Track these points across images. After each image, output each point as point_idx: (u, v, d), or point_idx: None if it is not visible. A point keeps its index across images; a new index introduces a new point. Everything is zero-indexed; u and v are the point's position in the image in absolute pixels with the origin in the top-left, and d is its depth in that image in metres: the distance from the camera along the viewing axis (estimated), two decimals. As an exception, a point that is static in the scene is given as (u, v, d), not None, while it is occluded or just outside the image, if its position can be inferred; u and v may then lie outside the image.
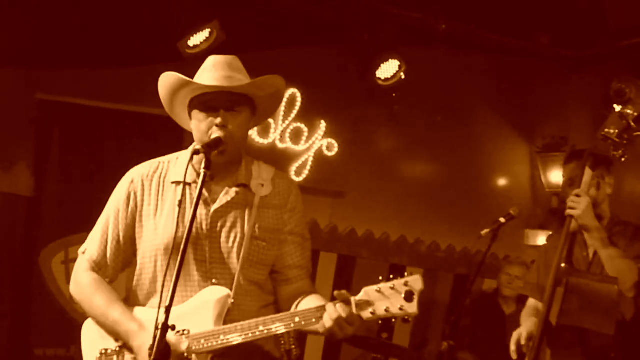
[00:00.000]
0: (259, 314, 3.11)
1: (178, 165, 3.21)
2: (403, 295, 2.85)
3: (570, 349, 4.02)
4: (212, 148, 2.97)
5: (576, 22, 7.33)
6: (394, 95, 7.31)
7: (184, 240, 2.78)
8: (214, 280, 3.09)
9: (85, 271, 3.26)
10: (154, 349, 2.58)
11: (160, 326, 2.63)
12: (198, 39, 6.27)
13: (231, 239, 3.13)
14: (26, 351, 6.17)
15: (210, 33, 6.29)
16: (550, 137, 8.23)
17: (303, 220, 3.34)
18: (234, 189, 3.17)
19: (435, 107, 7.83)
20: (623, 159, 4.01)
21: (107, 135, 6.52)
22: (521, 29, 7.66)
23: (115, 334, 3.11)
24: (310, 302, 3.10)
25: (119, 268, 3.28)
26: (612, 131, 3.96)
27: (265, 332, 2.93)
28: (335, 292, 2.90)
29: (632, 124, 3.91)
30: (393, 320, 2.89)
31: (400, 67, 7.00)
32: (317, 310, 2.90)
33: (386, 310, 2.85)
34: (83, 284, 3.24)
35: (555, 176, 7.98)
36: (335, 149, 7.34)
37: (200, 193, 2.89)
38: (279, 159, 6.92)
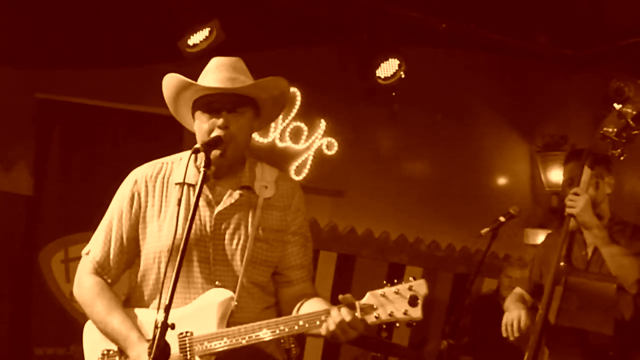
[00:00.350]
0: (262, 315, 3.12)
1: (181, 166, 3.19)
2: (407, 300, 2.85)
3: (568, 348, 4.03)
4: (211, 147, 2.97)
5: (576, 22, 7.33)
6: (393, 94, 7.31)
7: (182, 242, 2.78)
8: (217, 282, 3.09)
9: (88, 274, 3.25)
10: (154, 348, 2.58)
11: (159, 325, 2.63)
12: (198, 38, 6.26)
13: (235, 241, 3.13)
14: (26, 350, 6.17)
15: (210, 32, 6.29)
16: (550, 136, 8.24)
17: (306, 221, 3.35)
18: (238, 191, 3.18)
19: (435, 106, 7.83)
20: (622, 158, 4.01)
21: (107, 135, 6.52)
22: (521, 29, 7.66)
23: (114, 342, 3.11)
24: (313, 305, 3.11)
25: (121, 269, 3.28)
26: (610, 130, 3.96)
27: (270, 334, 2.93)
28: (340, 296, 2.89)
29: (631, 122, 3.91)
30: (397, 324, 2.89)
31: (400, 66, 7.01)
32: (321, 313, 2.91)
33: (390, 315, 2.86)
34: (85, 287, 3.23)
35: (555, 175, 7.99)
36: (335, 148, 7.34)
37: (200, 192, 2.89)
38: (278, 158, 6.92)
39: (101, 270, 3.24)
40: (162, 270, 3.10)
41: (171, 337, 2.92)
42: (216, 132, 3.05)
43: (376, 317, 2.87)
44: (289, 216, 3.26)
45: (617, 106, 3.98)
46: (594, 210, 4.13)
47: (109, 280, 3.25)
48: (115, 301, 3.18)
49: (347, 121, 7.46)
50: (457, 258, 7.83)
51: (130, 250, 3.24)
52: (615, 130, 3.95)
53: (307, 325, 2.92)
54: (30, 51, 6.17)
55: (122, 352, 3.10)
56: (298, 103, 7.09)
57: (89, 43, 6.21)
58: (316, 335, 2.98)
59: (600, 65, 7.74)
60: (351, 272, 7.39)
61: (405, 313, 2.85)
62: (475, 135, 8.28)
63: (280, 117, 7.06)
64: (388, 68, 7.05)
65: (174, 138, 6.31)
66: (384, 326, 2.92)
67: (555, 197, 8.14)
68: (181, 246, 2.77)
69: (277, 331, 2.93)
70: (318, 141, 7.28)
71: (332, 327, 2.85)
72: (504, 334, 4.25)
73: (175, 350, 2.95)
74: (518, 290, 4.58)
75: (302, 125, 7.21)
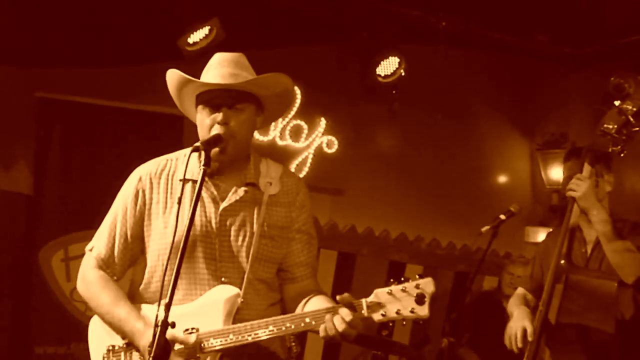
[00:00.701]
0: (267, 311, 3.14)
1: (184, 163, 3.19)
2: (414, 298, 2.87)
3: (569, 346, 4.02)
4: (211, 145, 2.97)
5: (575, 20, 7.33)
6: (394, 92, 7.32)
7: (183, 238, 2.78)
8: (223, 279, 3.09)
9: (92, 269, 3.26)
10: (154, 345, 2.58)
11: (160, 323, 2.63)
12: (198, 36, 6.27)
13: (240, 237, 3.14)
14: (26, 349, 6.16)
15: (210, 30, 6.29)
16: (550, 134, 8.24)
17: (310, 218, 3.36)
18: (243, 188, 3.18)
19: (435, 104, 7.84)
20: (622, 155, 4.00)
21: (107, 134, 6.51)
22: (521, 27, 7.67)
23: (121, 333, 3.11)
24: (318, 303, 3.11)
25: (126, 266, 3.28)
26: (610, 126, 3.95)
27: (276, 331, 2.94)
28: (338, 297, 2.90)
29: (631, 119, 3.90)
30: (404, 322, 2.89)
31: (400, 64, 7.02)
32: (327, 311, 2.91)
33: (397, 313, 2.87)
34: (90, 281, 3.24)
35: (556, 173, 7.99)
36: (335, 146, 7.34)
37: (200, 190, 2.88)
38: (279, 156, 6.91)
39: (105, 266, 3.25)
40: (167, 266, 3.10)
41: (177, 334, 2.93)
42: (216, 129, 3.05)
43: (383, 315, 2.88)
44: (293, 213, 3.27)
45: (617, 103, 3.97)
46: None
47: (114, 277, 3.25)
48: (121, 293, 3.18)
49: (347, 119, 7.46)
50: (458, 256, 7.83)
51: (134, 247, 3.24)
52: (616, 127, 3.94)
53: (313, 322, 2.92)
54: (31, 50, 6.17)
55: (127, 347, 3.11)
56: (298, 101, 7.08)
57: (89, 42, 6.21)
58: (316, 332, 2.98)
59: (600, 64, 7.75)
60: (351, 270, 7.39)
61: (412, 311, 2.86)
62: (475, 133, 8.28)
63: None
64: (388, 66, 7.05)
65: (174, 136, 6.35)
66: (391, 324, 2.91)
67: (555, 195, 8.15)
68: (181, 243, 2.77)
69: (283, 328, 2.94)
70: (318, 139, 7.28)
71: (332, 332, 2.86)
72: (507, 345, 4.23)
73: (180, 347, 2.96)
74: (520, 290, 4.57)
75: (302, 123, 7.21)
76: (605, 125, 3.98)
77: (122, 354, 3.13)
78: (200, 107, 3.15)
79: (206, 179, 3.13)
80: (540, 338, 3.99)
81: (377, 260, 7.47)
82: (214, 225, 3.13)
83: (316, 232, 3.40)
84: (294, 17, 6.83)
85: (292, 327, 2.94)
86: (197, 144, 2.96)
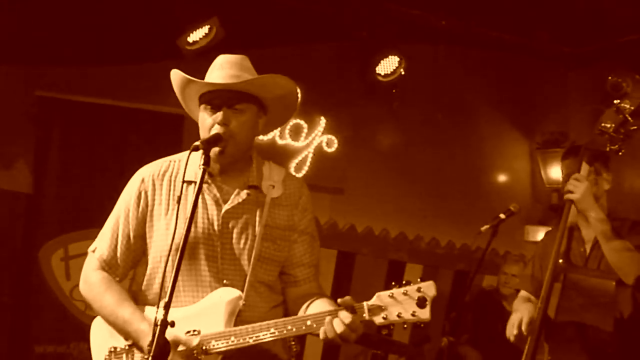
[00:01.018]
0: (269, 313, 3.14)
1: (190, 164, 3.18)
2: (416, 301, 2.87)
3: (568, 343, 4.02)
4: (210, 144, 2.96)
5: (575, 19, 7.33)
6: (394, 91, 7.32)
7: (182, 239, 2.78)
8: (225, 281, 3.09)
9: (94, 270, 3.25)
10: (153, 345, 2.58)
11: (159, 323, 2.63)
12: (197, 35, 6.27)
13: (242, 239, 3.14)
14: (26, 348, 6.17)
15: (210, 30, 6.29)
16: (550, 133, 8.24)
17: (312, 221, 3.36)
18: (245, 191, 3.18)
19: (434, 103, 7.84)
20: (620, 153, 4.00)
21: (107, 132, 6.52)
22: (520, 26, 7.67)
23: (125, 334, 3.10)
24: (320, 305, 3.11)
25: (128, 267, 3.28)
26: (608, 125, 3.95)
27: (277, 334, 2.94)
28: (339, 300, 2.90)
29: (629, 117, 3.90)
30: (405, 325, 2.90)
31: (400, 63, 7.01)
32: (328, 314, 2.91)
33: (398, 316, 2.87)
34: (93, 283, 3.23)
35: (555, 172, 7.99)
36: (335, 146, 7.35)
37: (200, 190, 2.88)
38: (278, 155, 6.92)
39: (108, 267, 3.24)
40: (169, 268, 3.09)
41: (179, 335, 2.94)
42: (216, 129, 3.05)
43: (384, 318, 2.88)
44: (296, 216, 3.27)
45: (616, 102, 3.97)
46: None
47: (117, 278, 3.25)
48: (125, 294, 3.18)
49: (347, 118, 7.46)
50: (457, 255, 7.83)
51: (137, 248, 3.24)
52: (614, 125, 3.94)
53: (314, 325, 2.92)
54: (30, 49, 6.17)
55: (129, 349, 3.11)
56: (298, 100, 7.08)
57: (88, 41, 6.21)
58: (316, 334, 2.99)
59: (600, 62, 7.75)
60: (351, 269, 7.39)
61: (413, 314, 2.86)
62: (475, 132, 8.28)
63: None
64: (388, 65, 7.05)
65: (174, 135, 6.35)
66: (392, 326, 2.92)
67: (555, 194, 8.15)
68: (180, 244, 2.77)
69: (285, 331, 2.94)
70: (318, 138, 7.29)
71: (331, 334, 2.86)
72: (507, 335, 4.23)
73: (182, 348, 2.96)
74: (523, 293, 4.55)
75: (302, 122, 7.22)
76: (603, 124, 3.97)
77: (124, 355, 3.13)
78: (202, 107, 3.15)
79: (209, 180, 3.15)
80: (539, 336, 3.99)
81: (376, 260, 7.47)
82: (216, 227, 3.13)
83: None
84: (293, 16, 6.83)
85: (294, 329, 2.94)
86: (197, 143, 2.95)
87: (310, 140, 7.26)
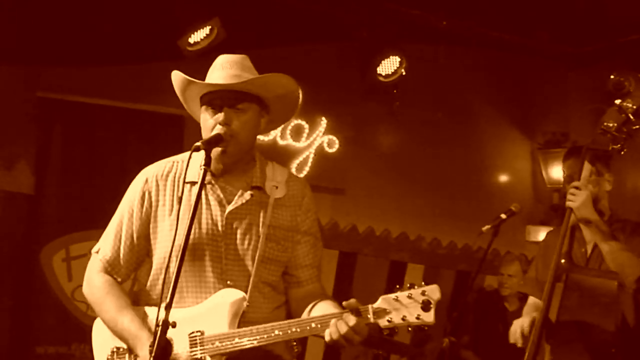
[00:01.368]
0: (273, 314, 3.14)
1: (192, 164, 3.19)
2: (420, 305, 2.88)
3: (570, 344, 4.01)
4: (212, 144, 2.96)
5: (576, 19, 7.33)
6: (394, 91, 7.32)
7: (184, 240, 2.78)
8: (229, 282, 3.09)
9: (97, 272, 3.25)
10: (154, 345, 2.58)
11: (160, 323, 2.63)
12: (198, 36, 6.27)
13: (246, 240, 3.14)
14: (27, 349, 6.16)
15: (211, 30, 6.29)
16: (551, 133, 8.25)
17: (316, 222, 3.37)
18: (249, 192, 3.18)
19: (435, 103, 7.84)
20: (622, 153, 3.99)
21: (108, 133, 6.52)
22: (521, 26, 7.67)
23: (123, 340, 3.10)
24: (325, 307, 3.11)
25: (132, 268, 3.28)
26: (611, 125, 3.94)
27: (281, 335, 2.95)
28: (344, 303, 2.90)
29: (632, 117, 3.89)
30: (409, 328, 2.91)
31: (401, 63, 7.02)
32: (333, 316, 2.92)
33: (403, 319, 2.88)
34: (95, 286, 3.23)
35: (556, 172, 7.98)
36: (336, 146, 7.35)
37: (201, 191, 2.88)
38: (280, 156, 6.91)
39: (111, 268, 3.24)
40: (172, 268, 3.09)
41: (182, 337, 2.95)
42: (217, 129, 3.05)
43: (389, 321, 2.89)
44: (299, 216, 3.27)
45: (617, 101, 3.97)
46: (594, 207, 4.11)
47: (119, 279, 3.24)
48: (125, 300, 3.17)
49: (348, 119, 7.46)
50: (459, 255, 7.83)
51: (140, 249, 3.23)
52: (616, 125, 3.93)
53: (319, 327, 2.92)
54: (31, 50, 6.17)
55: (131, 350, 3.11)
56: (299, 99, 7.07)
57: (89, 41, 6.21)
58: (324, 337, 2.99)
59: (601, 62, 7.75)
60: (352, 269, 7.38)
61: (418, 317, 2.87)
62: (476, 133, 8.28)
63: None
64: (389, 65, 7.06)
65: (174, 136, 6.35)
66: (397, 329, 2.92)
67: (556, 194, 8.15)
68: (182, 245, 2.77)
69: (289, 332, 2.95)
70: (319, 139, 7.29)
71: (335, 336, 2.87)
72: (510, 340, 4.23)
73: (185, 349, 2.96)
74: (532, 300, 4.54)
75: (303, 123, 7.22)
76: (605, 124, 3.96)
77: (127, 355, 3.12)
78: (203, 107, 3.15)
79: (212, 181, 3.15)
80: (540, 336, 3.98)
81: (378, 260, 7.47)
82: (220, 227, 3.13)
83: (318, 232, 3.41)
84: (294, 17, 6.83)
85: (298, 331, 2.95)
86: (198, 143, 2.95)
87: (312, 140, 7.26)
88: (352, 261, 7.40)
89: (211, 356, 2.97)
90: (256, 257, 3.11)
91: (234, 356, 2.98)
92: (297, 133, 7.20)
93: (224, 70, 3.15)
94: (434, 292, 2.90)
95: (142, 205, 3.21)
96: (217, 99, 3.10)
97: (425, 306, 2.87)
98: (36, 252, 6.25)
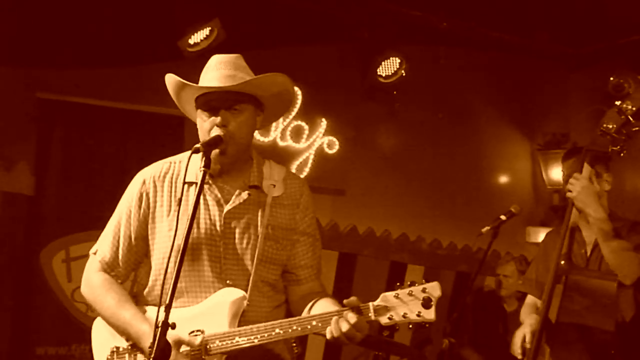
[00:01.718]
0: (272, 313, 3.16)
1: (189, 165, 3.20)
2: (421, 302, 2.89)
3: (570, 345, 4.02)
4: (211, 146, 2.98)
5: (576, 20, 7.34)
6: (394, 93, 7.32)
7: (183, 240, 2.78)
8: (228, 281, 3.10)
9: (96, 272, 3.27)
10: (154, 346, 2.58)
11: (160, 324, 2.63)
12: (198, 37, 6.27)
13: (245, 240, 3.15)
14: (27, 350, 6.16)
15: (211, 31, 6.29)
16: (551, 134, 8.25)
17: (314, 220, 3.38)
18: (247, 191, 3.19)
19: (436, 104, 7.85)
20: (622, 154, 3.99)
21: (108, 134, 6.51)
22: (521, 27, 7.67)
23: (126, 335, 3.12)
24: (325, 305, 3.12)
25: (130, 269, 3.29)
26: (610, 126, 3.94)
27: (282, 334, 2.96)
28: (345, 301, 2.92)
29: (631, 118, 3.90)
30: (410, 326, 2.91)
31: (401, 64, 7.02)
32: (333, 314, 2.93)
33: (404, 316, 2.90)
34: (94, 285, 3.24)
35: (557, 173, 7.99)
36: (336, 147, 7.35)
37: (200, 192, 2.89)
38: (280, 157, 6.91)
39: (109, 269, 3.26)
40: (171, 269, 3.09)
41: (183, 336, 2.95)
42: (215, 131, 3.06)
43: (389, 319, 2.90)
44: (297, 215, 3.29)
45: (617, 103, 3.97)
46: None
47: (118, 280, 3.26)
48: (126, 295, 3.19)
49: (348, 120, 7.46)
50: (459, 256, 7.83)
51: (138, 250, 3.25)
52: (615, 126, 3.94)
53: (320, 325, 2.94)
54: (31, 51, 6.16)
55: (131, 349, 3.12)
56: (299, 102, 7.09)
57: (89, 43, 6.21)
58: (325, 335, 2.99)
59: (601, 63, 7.76)
60: (352, 270, 7.38)
61: (418, 315, 2.89)
62: (476, 133, 8.28)
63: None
64: (389, 66, 7.07)
65: (175, 137, 6.35)
66: (397, 327, 2.93)
67: (556, 195, 8.15)
68: (181, 246, 2.77)
69: (290, 331, 2.96)
70: (319, 140, 7.28)
71: (337, 333, 2.88)
72: (512, 352, 4.22)
73: (185, 348, 2.97)
74: (530, 299, 4.55)
75: (303, 124, 7.22)
76: (604, 125, 3.97)
77: (127, 355, 3.13)
78: (199, 110, 3.16)
79: (210, 181, 3.16)
80: (540, 337, 3.99)
81: (378, 261, 7.47)
82: (218, 227, 3.14)
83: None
84: (295, 17, 6.84)
85: (299, 329, 2.96)
86: (197, 145, 2.96)
87: (312, 141, 7.25)
88: (352, 262, 7.40)
89: (211, 355, 2.97)
90: (255, 257, 3.13)
91: (234, 355, 2.99)
92: (297, 134, 7.20)
93: (218, 70, 3.16)
94: (434, 289, 2.92)
95: (139, 207, 3.22)
96: (213, 100, 3.11)
97: (426, 303, 2.89)
98: (36, 253, 6.24)
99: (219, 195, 3.17)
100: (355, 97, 7.42)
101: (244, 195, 3.18)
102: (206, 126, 3.10)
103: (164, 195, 3.22)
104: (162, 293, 2.77)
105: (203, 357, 2.96)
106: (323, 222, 7.17)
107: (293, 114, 7.12)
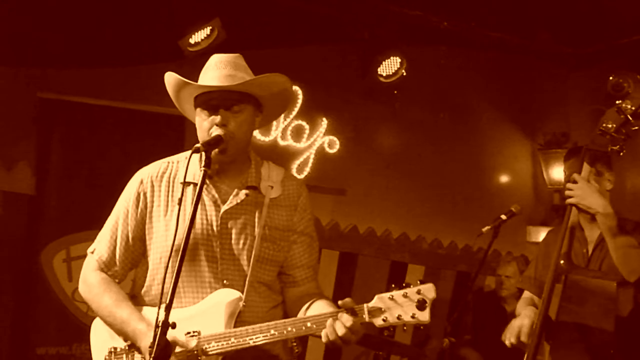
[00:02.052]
0: (269, 314, 3.16)
1: (185, 165, 3.20)
2: (415, 304, 2.89)
3: (570, 344, 4.01)
4: (212, 146, 2.98)
5: (576, 19, 7.33)
6: (395, 92, 7.32)
7: (183, 241, 2.79)
8: (225, 282, 3.10)
9: (93, 271, 3.27)
10: (154, 346, 2.58)
11: (160, 324, 2.63)
12: (199, 36, 6.27)
13: (242, 240, 3.15)
14: (28, 350, 6.16)
15: (212, 31, 6.29)
16: (552, 133, 8.25)
17: (311, 221, 3.37)
18: (244, 191, 3.19)
19: (436, 104, 7.85)
20: (621, 154, 3.98)
21: (108, 134, 6.51)
22: (522, 27, 7.67)
23: (123, 334, 3.12)
24: (320, 307, 3.12)
25: (127, 268, 3.30)
26: (610, 126, 3.93)
27: (277, 335, 2.95)
28: (340, 302, 2.91)
29: (630, 118, 3.88)
30: (404, 327, 2.91)
31: (401, 64, 7.02)
32: (328, 316, 2.92)
33: (398, 318, 2.89)
34: (91, 284, 3.25)
35: (557, 173, 8.00)
36: (337, 147, 7.35)
37: (200, 192, 2.89)
38: (280, 157, 6.92)
39: (107, 269, 3.26)
40: (169, 269, 3.10)
41: (179, 337, 2.95)
42: (215, 131, 3.06)
43: (384, 320, 2.90)
44: (295, 216, 3.28)
45: (617, 102, 3.96)
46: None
47: (116, 280, 3.27)
48: (123, 294, 3.20)
49: (349, 119, 7.47)
50: (459, 256, 7.83)
51: (135, 249, 3.25)
52: (615, 126, 3.93)
53: (314, 327, 2.93)
54: (32, 51, 6.16)
55: (129, 349, 3.12)
56: (300, 101, 7.09)
57: (90, 42, 6.21)
58: (320, 336, 2.99)
59: (601, 63, 7.75)
60: (353, 270, 7.39)
61: (413, 316, 2.88)
62: (476, 133, 8.29)
63: (282, 115, 7.05)
64: (389, 66, 7.07)
65: (175, 137, 6.35)
66: (392, 328, 2.94)
67: (557, 195, 8.15)
68: (181, 246, 2.77)
69: (285, 332, 2.96)
70: (320, 140, 7.29)
71: (332, 336, 2.87)
72: (502, 338, 4.23)
73: (182, 349, 2.97)
74: (527, 294, 4.54)
75: (304, 123, 7.22)
76: (604, 125, 3.96)
77: (124, 356, 3.13)
78: (198, 109, 3.16)
79: (207, 181, 3.15)
80: (540, 336, 3.98)
81: (378, 260, 7.47)
82: (215, 227, 3.14)
83: (318, 232, 3.42)
84: (295, 17, 6.83)
85: (294, 331, 2.95)
86: (198, 145, 2.97)
87: (312, 141, 7.26)
88: (353, 262, 7.40)
89: (208, 356, 2.97)
90: (252, 257, 3.12)
91: (230, 356, 2.99)
92: (297, 134, 7.20)
93: (218, 70, 3.16)
94: (429, 291, 2.91)
95: (137, 206, 3.23)
96: (212, 100, 3.11)
97: (421, 305, 2.88)
98: (37, 253, 6.25)
99: (216, 195, 3.17)
100: (356, 96, 7.42)
101: (242, 195, 3.18)
102: (206, 125, 3.10)
103: (161, 195, 3.22)
104: (162, 293, 2.77)
105: (199, 358, 2.96)
106: (324, 221, 7.17)
107: (294, 113, 7.13)
